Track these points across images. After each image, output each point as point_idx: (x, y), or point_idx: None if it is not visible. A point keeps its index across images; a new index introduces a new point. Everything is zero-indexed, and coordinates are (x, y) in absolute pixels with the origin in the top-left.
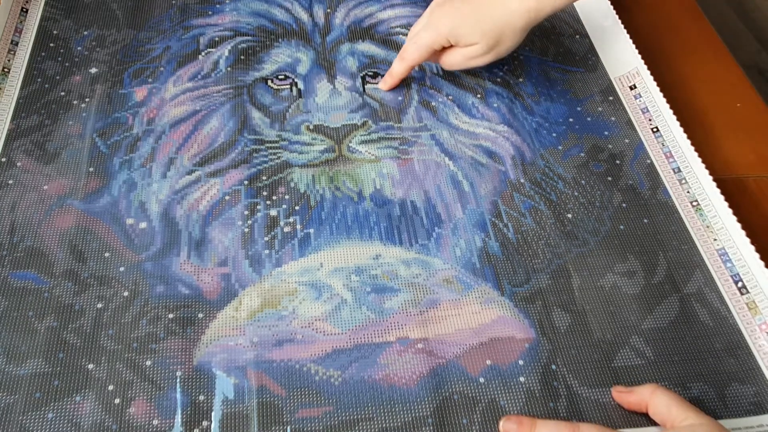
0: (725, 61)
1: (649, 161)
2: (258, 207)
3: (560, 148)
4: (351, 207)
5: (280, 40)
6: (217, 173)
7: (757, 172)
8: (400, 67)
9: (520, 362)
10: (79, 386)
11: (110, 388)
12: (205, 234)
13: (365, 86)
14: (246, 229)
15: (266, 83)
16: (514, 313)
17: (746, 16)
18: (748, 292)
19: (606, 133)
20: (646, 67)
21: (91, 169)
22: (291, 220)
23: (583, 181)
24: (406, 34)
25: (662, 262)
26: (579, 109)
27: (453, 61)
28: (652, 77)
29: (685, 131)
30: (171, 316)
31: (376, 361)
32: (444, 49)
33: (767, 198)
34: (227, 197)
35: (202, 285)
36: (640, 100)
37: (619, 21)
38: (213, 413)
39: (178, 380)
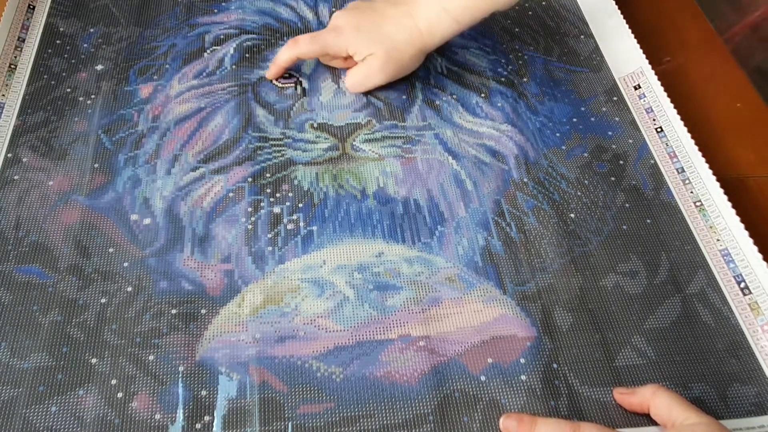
0: (725, 61)
1: (652, 161)
2: (261, 204)
3: (564, 147)
4: (354, 205)
5: (285, 38)
6: (221, 170)
7: (757, 172)
8: (287, 54)
9: (522, 361)
10: (83, 380)
11: (113, 382)
12: (208, 230)
13: None
14: (249, 226)
15: (271, 81)
16: (516, 312)
17: (746, 16)
18: (750, 292)
19: (610, 133)
20: (650, 66)
21: (96, 165)
22: (294, 217)
23: (586, 181)
24: None
25: (665, 263)
26: (583, 109)
27: (354, 78)
28: (656, 77)
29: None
30: (174, 311)
31: (377, 358)
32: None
33: (767, 198)
34: (231, 194)
35: (206, 281)
36: (644, 100)
37: (624, 21)
38: (215, 408)
39: (180, 375)
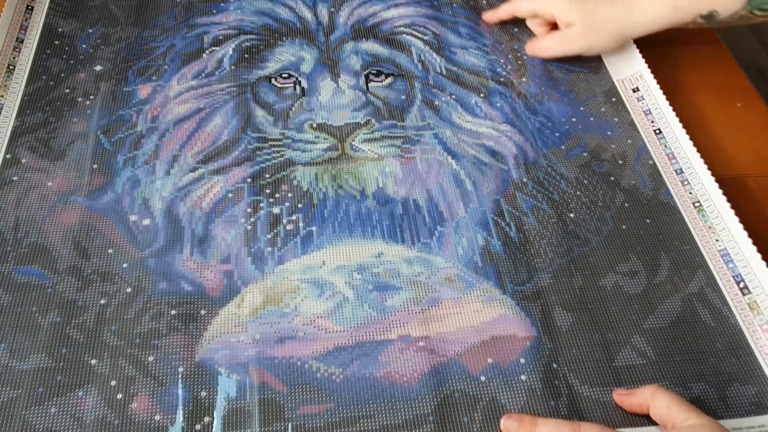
0: (725, 61)
1: (651, 162)
2: (261, 205)
3: (563, 147)
4: (353, 205)
5: (284, 38)
6: (221, 171)
7: (757, 171)
8: (505, 8)
9: (522, 360)
10: (82, 381)
11: (113, 383)
12: (208, 231)
13: (369, 85)
14: (249, 227)
15: (270, 81)
16: (515, 312)
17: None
18: (749, 292)
19: (609, 133)
20: (649, 71)
21: (95, 166)
22: (294, 218)
23: (585, 181)
24: (410, 33)
25: (664, 263)
26: (582, 109)
27: (546, 42)
28: (655, 81)
29: (686, 131)
30: (173, 312)
31: (377, 358)
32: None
33: (767, 198)
34: (230, 195)
35: (205, 282)
36: (642, 103)
37: None
38: (215, 409)
39: (180, 376)
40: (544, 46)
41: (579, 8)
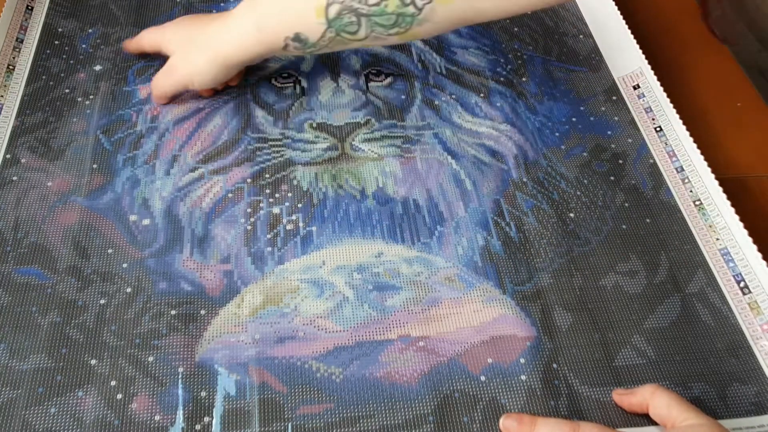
0: (725, 61)
1: (651, 161)
2: (261, 205)
3: (563, 147)
4: (353, 205)
5: None
6: (221, 171)
7: (757, 171)
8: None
9: (522, 360)
10: (82, 381)
11: (112, 383)
12: (207, 231)
13: (368, 84)
14: (249, 227)
15: (269, 81)
16: (515, 312)
17: (746, 16)
18: (750, 292)
19: (609, 132)
20: (650, 67)
21: (94, 166)
22: (293, 217)
23: (585, 181)
24: None
25: (664, 262)
26: (582, 108)
27: (154, 81)
28: (655, 77)
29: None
30: (173, 312)
31: (377, 358)
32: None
33: (767, 198)
34: (230, 195)
35: (205, 282)
36: (643, 100)
37: (623, 21)
38: (214, 409)
39: (180, 376)
40: (152, 85)
41: (176, 37)
